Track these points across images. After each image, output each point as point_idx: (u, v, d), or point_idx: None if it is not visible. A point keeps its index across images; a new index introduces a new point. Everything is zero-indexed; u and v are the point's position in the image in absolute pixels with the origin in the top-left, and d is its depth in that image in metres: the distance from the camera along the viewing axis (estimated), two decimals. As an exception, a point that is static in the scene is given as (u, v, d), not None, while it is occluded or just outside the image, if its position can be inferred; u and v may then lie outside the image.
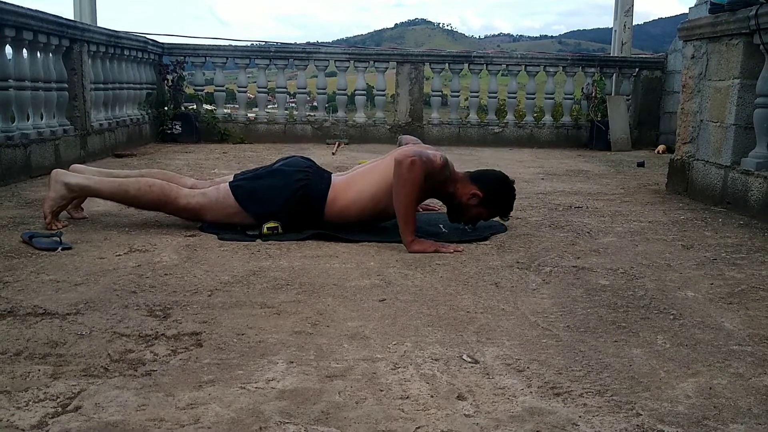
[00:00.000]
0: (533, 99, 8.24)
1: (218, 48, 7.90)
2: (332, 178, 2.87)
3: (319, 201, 2.79)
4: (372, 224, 2.91)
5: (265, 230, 2.76)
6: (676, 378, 1.49)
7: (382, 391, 1.38)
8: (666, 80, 7.98)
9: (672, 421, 1.28)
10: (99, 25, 6.97)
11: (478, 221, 2.95)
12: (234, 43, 8.20)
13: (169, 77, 7.53)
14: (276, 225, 2.76)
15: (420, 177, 2.61)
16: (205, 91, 8.12)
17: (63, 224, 2.86)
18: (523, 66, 8.02)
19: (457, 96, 8.26)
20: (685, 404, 1.36)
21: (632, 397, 1.38)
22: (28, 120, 4.56)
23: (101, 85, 5.81)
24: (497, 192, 2.89)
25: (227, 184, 2.84)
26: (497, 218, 2.99)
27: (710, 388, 1.44)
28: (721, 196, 3.78)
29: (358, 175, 2.87)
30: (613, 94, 7.99)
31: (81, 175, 2.96)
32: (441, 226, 3.01)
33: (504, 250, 2.66)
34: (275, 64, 7.84)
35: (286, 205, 2.76)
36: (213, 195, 2.81)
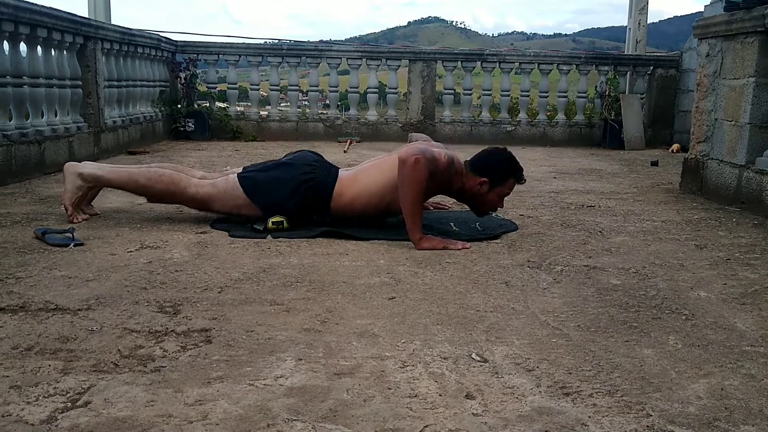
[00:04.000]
0: (546, 97, 8.21)
1: (231, 46, 7.92)
2: (339, 172, 2.88)
3: (326, 194, 2.81)
4: (378, 220, 2.92)
5: (270, 224, 2.76)
6: (688, 379, 1.47)
7: (390, 389, 1.38)
8: (681, 79, 7.91)
9: (683, 422, 1.27)
10: (113, 22, 7.02)
11: (502, 200, 2.89)
12: (247, 41, 8.21)
13: (182, 75, 7.55)
14: (281, 219, 2.77)
15: (424, 175, 2.60)
16: (218, 88, 8.14)
17: (85, 216, 2.91)
18: (536, 64, 7.99)
19: (470, 94, 8.24)
20: (696, 405, 1.34)
21: (643, 398, 1.37)
22: (42, 117, 4.60)
23: (115, 83, 5.84)
24: (499, 169, 2.84)
25: (236, 175, 2.87)
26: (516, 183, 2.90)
27: (722, 389, 1.42)
28: (736, 195, 3.74)
29: (364, 170, 2.89)
30: (627, 93, 7.94)
31: (92, 164, 3.05)
32: (452, 224, 3.01)
33: (515, 248, 2.65)
34: (288, 62, 7.85)
35: (292, 196, 2.78)
36: (222, 186, 2.84)
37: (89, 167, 2.96)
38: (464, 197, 2.90)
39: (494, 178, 2.82)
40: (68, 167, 2.93)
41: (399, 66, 7.99)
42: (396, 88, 8.19)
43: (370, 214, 2.87)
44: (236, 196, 2.82)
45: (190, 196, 2.86)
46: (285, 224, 2.78)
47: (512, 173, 2.86)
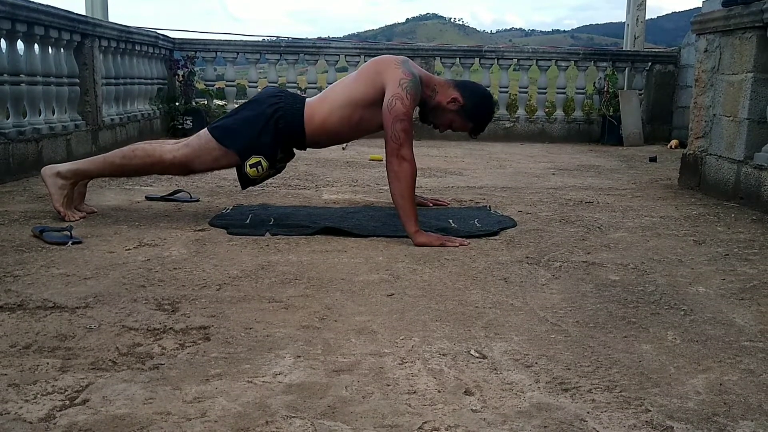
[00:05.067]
0: (545, 94, 8.19)
1: (229, 43, 7.91)
2: (306, 99, 2.93)
3: (297, 120, 2.84)
4: (354, 138, 3.01)
5: (248, 170, 2.80)
6: (686, 374, 1.47)
7: (389, 385, 1.38)
8: (679, 74, 7.91)
9: (681, 417, 1.27)
10: (110, 20, 7.00)
11: (447, 128, 2.98)
12: (245, 38, 8.20)
13: (180, 72, 7.54)
14: (258, 160, 2.80)
15: (412, 169, 2.65)
16: (216, 86, 8.12)
17: (81, 214, 2.91)
18: (535, 60, 7.98)
19: (468, 91, 8.22)
20: (695, 400, 1.34)
21: (641, 393, 1.37)
22: (39, 115, 4.58)
23: (112, 80, 5.82)
24: (479, 104, 2.91)
25: (206, 128, 2.90)
26: (469, 132, 2.99)
27: (720, 384, 1.43)
28: (734, 191, 3.74)
29: (329, 89, 2.97)
30: (625, 89, 7.93)
31: (67, 162, 3.06)
32: (450, 221, 3.01)
33: (513, 245, 2.65)
34: (286, 59, 7.85)
35: (265, 132, 2.80)
36: (195, 143, 2.87)
37: (64, 165, 2.98)
38: (428, 105, 2.91)
39: (470, 110, 2.88)
40: (45, 171, 2.93)
41: (397, 63, 7.97)
42: (394, 85, 8.17)
43: (345, 132, 2.91)
44: (211, 149, 2.83)
45: (169, 162, 2.88)
46: (263, 164, 2.81)
47: (481, 121, 2.95)
